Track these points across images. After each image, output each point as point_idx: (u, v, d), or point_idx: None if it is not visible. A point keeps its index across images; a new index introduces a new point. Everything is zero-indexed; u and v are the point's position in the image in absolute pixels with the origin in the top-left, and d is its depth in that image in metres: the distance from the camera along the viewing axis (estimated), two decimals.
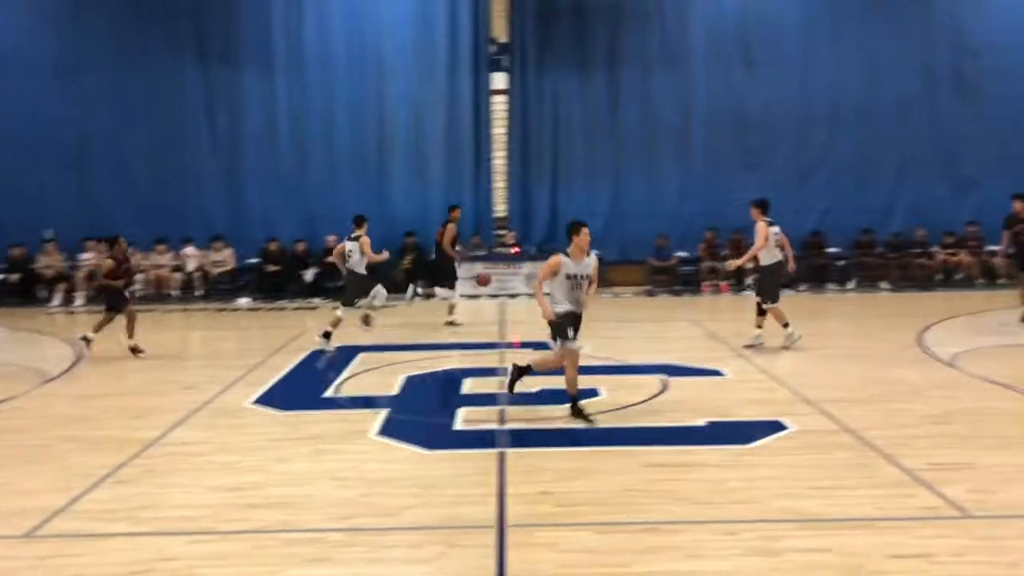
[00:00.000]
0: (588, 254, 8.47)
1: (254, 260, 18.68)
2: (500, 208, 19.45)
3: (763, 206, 11.72)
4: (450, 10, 18.88)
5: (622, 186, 19.16)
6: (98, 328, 11.83)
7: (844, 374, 10.17)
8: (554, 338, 8.28)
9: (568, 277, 8.26)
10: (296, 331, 13.79)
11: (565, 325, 8.18)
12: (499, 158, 19.36)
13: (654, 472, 6.76)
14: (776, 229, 11.59)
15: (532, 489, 6.40)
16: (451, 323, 14.09)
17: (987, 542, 5.35)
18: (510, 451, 7.34)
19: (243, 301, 17.83)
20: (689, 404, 8.86)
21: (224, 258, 18.58)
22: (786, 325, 11.45)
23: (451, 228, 14.33)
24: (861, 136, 19.04)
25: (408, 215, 19.03)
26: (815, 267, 18.33)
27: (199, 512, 6.02)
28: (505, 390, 8.64)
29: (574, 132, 19.15)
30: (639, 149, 19.11)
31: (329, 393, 9.70)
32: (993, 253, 18.01)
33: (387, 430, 8.07)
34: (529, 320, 15.29)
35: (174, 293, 18.17)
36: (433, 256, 15.34)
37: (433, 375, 10.63)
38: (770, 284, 11.62)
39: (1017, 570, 4.99)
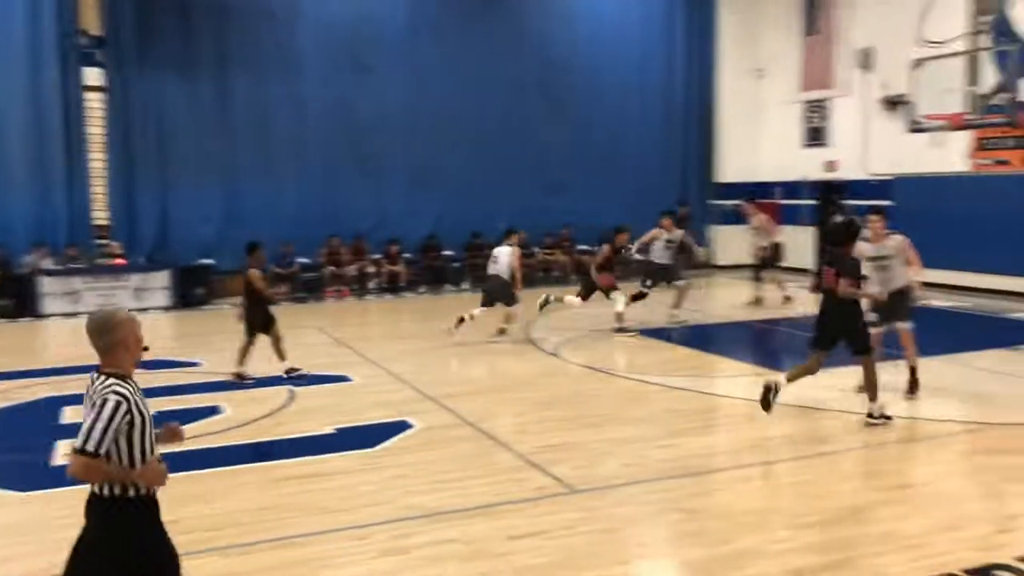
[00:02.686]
0: (888, 236, 8.94)
1: None
2: (101, 215, 17.75)
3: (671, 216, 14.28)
4: None
5: (238, 191, 18.44)
6: None
7: (462, 369, 10.78)
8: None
9: (869, 259, 8.67)
10: None
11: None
12: (97, 160, 17.67)
13: (284, 486, 6.62)
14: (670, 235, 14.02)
15: None
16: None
17: (590, 513, 5.98)
18: None
19: None
20: (317, 413, 8.80)
21: None
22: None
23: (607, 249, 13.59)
24: (467, 144, 20.19)
25: None
26: (433, 269, 19.19)
27: None
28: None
29: (182, 134, 18.03)
30: (254, 154, 18.52)
31: None
32: (583, 252, 20.18)
33: None
34: None
35: None
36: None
37: (23, 406, 9.40)
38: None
39: (613, 535, 5.64)
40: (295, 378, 10.24)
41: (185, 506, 6.18)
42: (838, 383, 9.77)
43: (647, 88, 21.81)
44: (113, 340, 3.50)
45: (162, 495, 6.39)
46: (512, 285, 12.58)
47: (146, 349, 3.68)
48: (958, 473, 6.93)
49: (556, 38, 20.88)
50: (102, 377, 3.49)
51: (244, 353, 10.32)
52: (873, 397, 7.95)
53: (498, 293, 12.64)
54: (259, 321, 10.42)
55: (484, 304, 12.66)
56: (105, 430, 3.33)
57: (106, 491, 3.44)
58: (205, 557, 5.34)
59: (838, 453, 7.30)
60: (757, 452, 7.36)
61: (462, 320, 12.43)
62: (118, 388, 3.43)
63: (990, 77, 15.50)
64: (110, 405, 3.35)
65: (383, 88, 19.31)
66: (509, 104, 20.46)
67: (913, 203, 17.15)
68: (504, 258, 12.68)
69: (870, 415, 7.93)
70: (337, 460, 7.27)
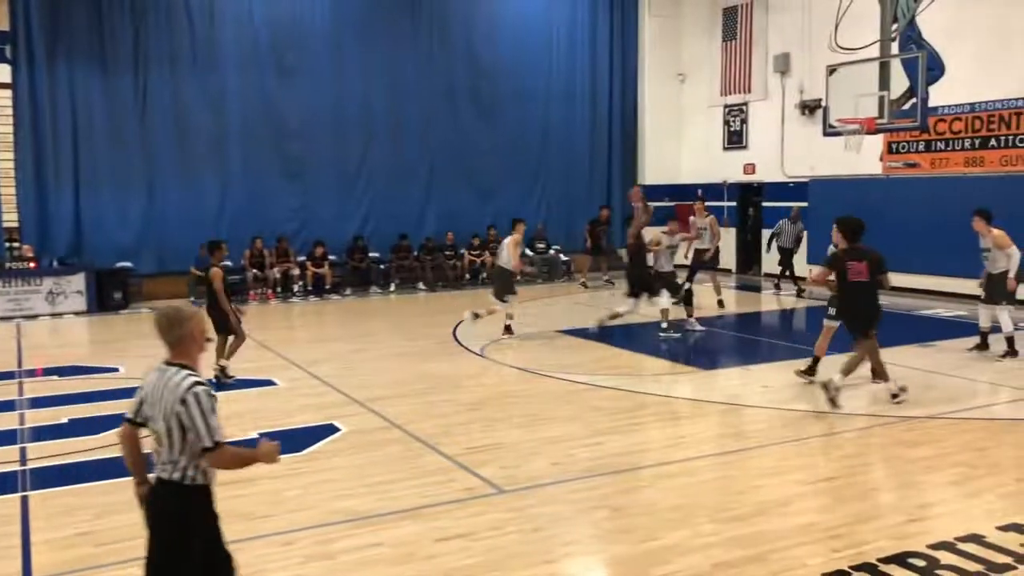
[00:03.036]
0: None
1: None
2: (11, 217, 17.09)
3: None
4: None
5: (157, 193, 17.97)
6: None
7: (390, 372, 10.69)
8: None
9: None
10: None
11: None
12: (6, 160, 17.00)
13: None
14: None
15: (66, 532, 5.75)
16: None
17: (518, 512, 5.99)
18: (35, 493, 6.51)
19: None
20: (240, 417, 8.62)
21: None
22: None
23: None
24: (393, 148, 20.06)
25: None
26: (359, 271, 19.00)
27: None
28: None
29: (98, 134, 17.48)
30: (174, 155, 18.06)
31: None
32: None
33: None
34: (50, 343, 13.74)
35: None
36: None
37: None
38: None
39: (541, 534, 5.66)
40: (223, 381, 10.03)
41: (103, 517, 6.00)
42: (759, 379, 10.02)
43: (573, 92, 22.03)
44: (182, 334, 3.77)
45: (80, 505, 6.20)
46: (511, 276, 12.93)
47: (209, 340, 3.96)
48: (875, 465, 7.16)
49: (483, 43, 20.93)
50: (173, 369, 3.74)
51: (231, 350, 10.36)
52: (847, 372, 8.75)
53: (496, 284, 13.17)
54: (217, 318, 10.22)
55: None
56: (215, 417, 3.65)
57: (176, 476, 3.68)
58: (121, 569, 5.19)
59: (760, 448, 7.46)
60: (682, 449, 7.48)
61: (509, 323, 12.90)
62: (198, 379, 3.69)
63: (900, 83, 16.07)
64: (203, 397, 3.63)
65: (307, 90, 19.07)
66: (436, 107, 20.43)
67: (827, 204, 17.70)
68: (504, 249, 13.07)
69: (815, 378, 9.22)
70: (261, 465, 7.10)
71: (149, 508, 3.81)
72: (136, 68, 17.68)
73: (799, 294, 16.97)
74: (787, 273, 17.43)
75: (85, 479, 6.85)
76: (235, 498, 6.30)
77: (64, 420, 8.60)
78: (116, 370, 11.07)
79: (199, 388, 3.63)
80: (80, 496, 6.46)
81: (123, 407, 9.13)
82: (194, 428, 3.60)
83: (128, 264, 17.53)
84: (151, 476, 3.84)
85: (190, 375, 3.68)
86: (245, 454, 3.83)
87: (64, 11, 17.02)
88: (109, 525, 5.86)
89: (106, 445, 7.68)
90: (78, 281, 16.37)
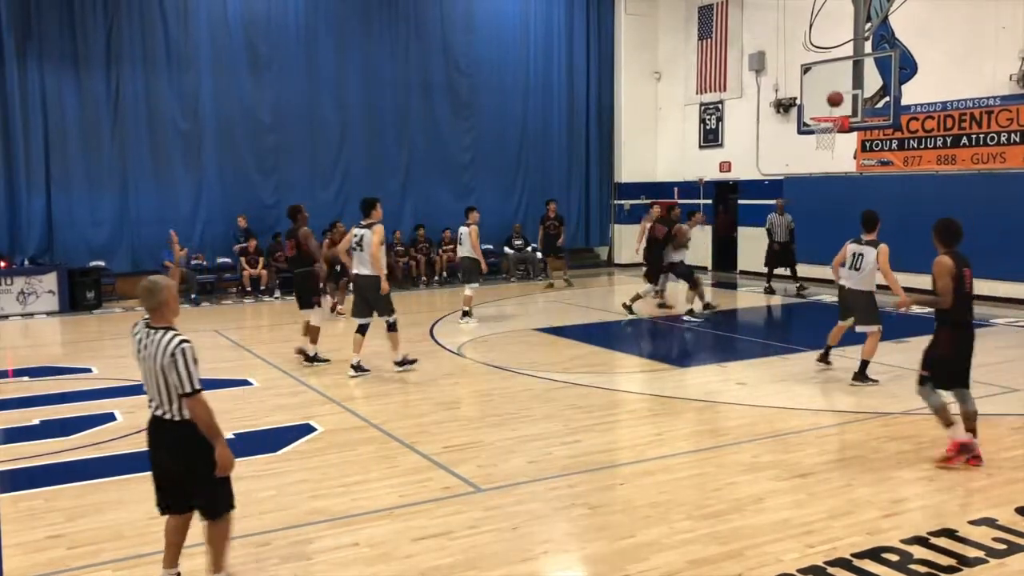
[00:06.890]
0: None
1: None
2: None
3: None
4: None
5: (130, 192, 17.77)
6: None
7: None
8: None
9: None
10: None
11: None
12: None
13: None
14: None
15: (38, 535, 5.67)
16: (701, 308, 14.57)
17: (495, 511, 5.98)
18: (5, 496, 6.41)
19: None
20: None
21: None
22: None
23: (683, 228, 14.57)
24: (369, 144, 19.99)
25: None
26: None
27: None
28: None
29: (70, 133, 17.26)
30: (147, 153, 17.87)
31: None
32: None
33: None
34: (21, 344, 13.56)
35: None
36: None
37: None
38: None
39: (518, 532, 5.65)
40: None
41: (72, 520, 5.93)
42: (735, 376, 10.07)
43: (550, 90, 22.05)
44: (160, 300, 4.39)
45: (51, 508, 6.13)
46: (477, 264, 13.93)
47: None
48: (849, 461, 7.21)
49: (459, 39, 20.88)
50: (159, 331, 4.40)
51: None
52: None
53: (465, 273, 14.18)
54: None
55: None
56: (195, 368, 4.38)
57: (177, 417, 4.55)
58: (94, 571, 5.13)
59: (736, 444, 7.50)
60: (658, 446, 7.50)
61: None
62: (181, 336, 4.40)
63: (874, 81, 16.20)
64: (188, 351, 4.35)
65: (280, 87, 18.93)
66: (413, 106, 20.38)
67: (802, 202, 17.84)
68: (465, 238, 14.10)
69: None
70: (237, 465, 7.04)
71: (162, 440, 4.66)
72: (109, 66, 17.48)
73: (799, 292, 17.06)
74: (790, 272, 17.44)
75: (57, 481, 6.77)
76: None
77: (35, 421, 8.50)
78: (89, 370, 10.93)
79: (186, 345, 4.39)
80: (50, 498, 6.38)
81: (99, 407, 9.07)
82: (180, 372, 4.38)
83: (101, 263, 17.35)
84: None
85: (175, 334, 4.40)
86: (212, 419, 4.64)
87: (35, 9, 16.78)
88: (81, 527, 5.79)
89: (77, 447, 7.61)
90: (50, 280, 16.17)
